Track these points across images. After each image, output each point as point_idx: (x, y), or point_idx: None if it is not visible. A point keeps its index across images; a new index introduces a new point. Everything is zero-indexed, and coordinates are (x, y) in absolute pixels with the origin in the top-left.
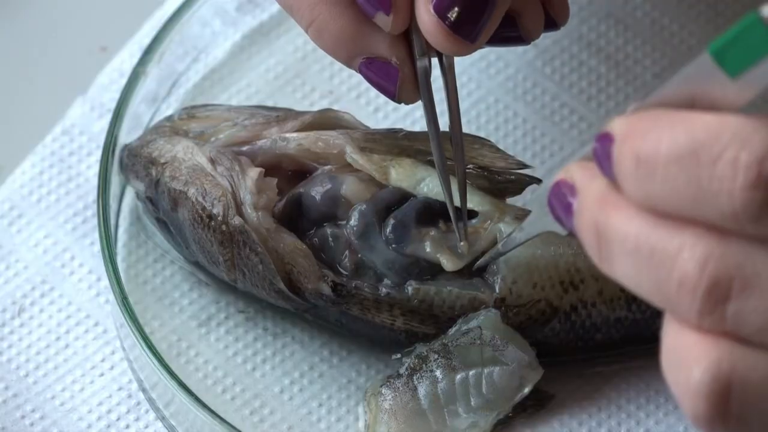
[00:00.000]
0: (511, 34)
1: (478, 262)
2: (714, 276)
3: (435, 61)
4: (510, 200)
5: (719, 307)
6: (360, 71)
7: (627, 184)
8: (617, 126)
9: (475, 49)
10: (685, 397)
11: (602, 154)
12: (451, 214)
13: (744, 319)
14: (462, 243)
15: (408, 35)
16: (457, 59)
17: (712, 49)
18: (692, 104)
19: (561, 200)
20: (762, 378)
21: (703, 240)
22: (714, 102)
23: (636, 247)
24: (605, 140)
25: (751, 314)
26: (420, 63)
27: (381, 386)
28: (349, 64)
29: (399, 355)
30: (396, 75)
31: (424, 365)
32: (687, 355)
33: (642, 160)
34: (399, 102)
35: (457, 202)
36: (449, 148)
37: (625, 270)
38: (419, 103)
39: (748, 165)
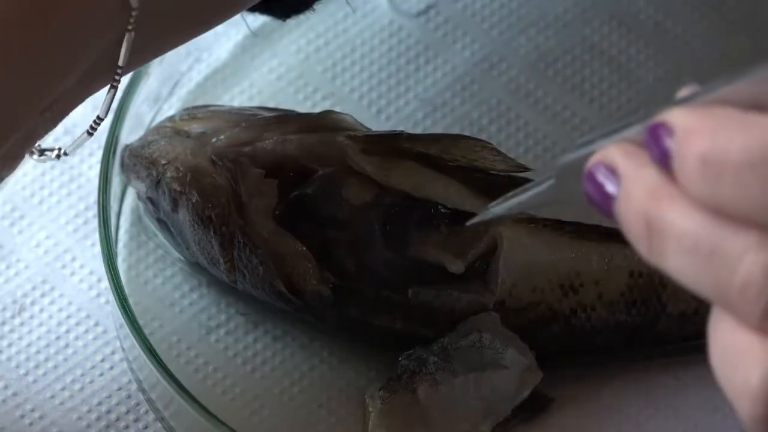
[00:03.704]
0: None
1: (470, 222)
2: None
3: None
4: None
5: None
6: None
7: (690, 183)
8: (678, 119)
9: None
10: (742, 398)
11: (657, 146)
12: None
13: None
14: None
15: None
16: (459, 61)
17: None
18: (757, 107)
19: (599, 185)
20: None
21: None
22: None
23: (694, 245)
24: (662, 132)
25: None
26: None
27: (380, 389)
28: None
29: (399, 358)
30: None
31: (423, 368)
32: (744, 357)
33: (709, 162)
34: None
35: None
36: (452, 152)
37: (678, 265)
38: (420, 105)
39: None
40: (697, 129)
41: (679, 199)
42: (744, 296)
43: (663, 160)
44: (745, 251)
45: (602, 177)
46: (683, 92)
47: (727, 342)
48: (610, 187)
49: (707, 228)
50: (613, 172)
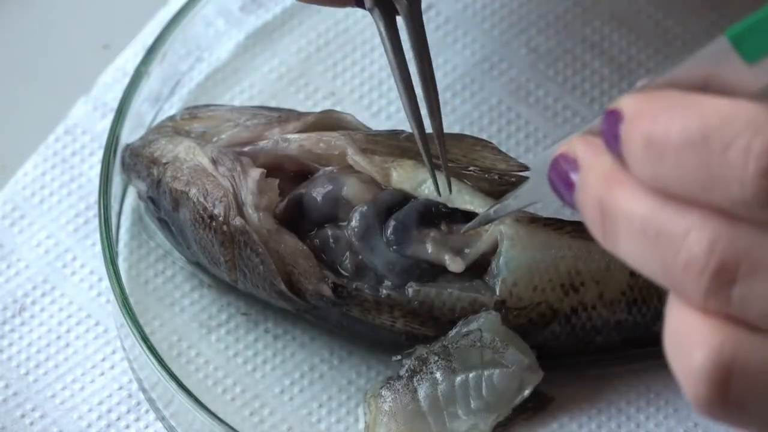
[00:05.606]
0: None
1: (468, 226)
2: (721, 258)
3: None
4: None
5: (725, 289)
6: None
7: (635, 164)
8: (626, 104)
9: None
10: (686, 379)
11: (610, 132)
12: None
13: (749, 303)
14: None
15: None
16: (460, 60)
17: (731, 34)
18: (705, 86)
19: (562, 174)
20: (763, 363)
21: (711, 222)
22: (728, 86)
23: (642, 227)
24: (613, 118)
25: (756, 299)
26: None
27: (381, 388)
28: None
29: (399, 357)
30: None
31: (424, 367)
32: (689, 337)
33: (652, 143)
34: None
35: (457, 203)
36: (452, 151)
37: (629, 249)
38: (420, 105)
39: (760, 153)
40: (641, 112)
41: (629, 183)
42: (687, 275)
43: (614, 146)
44: (688, 230)
45: (564, 166)
46: (642, 81)
47: (676, 325)
48: (571, 174)
49: (654, 210)
50: (574, 161)
